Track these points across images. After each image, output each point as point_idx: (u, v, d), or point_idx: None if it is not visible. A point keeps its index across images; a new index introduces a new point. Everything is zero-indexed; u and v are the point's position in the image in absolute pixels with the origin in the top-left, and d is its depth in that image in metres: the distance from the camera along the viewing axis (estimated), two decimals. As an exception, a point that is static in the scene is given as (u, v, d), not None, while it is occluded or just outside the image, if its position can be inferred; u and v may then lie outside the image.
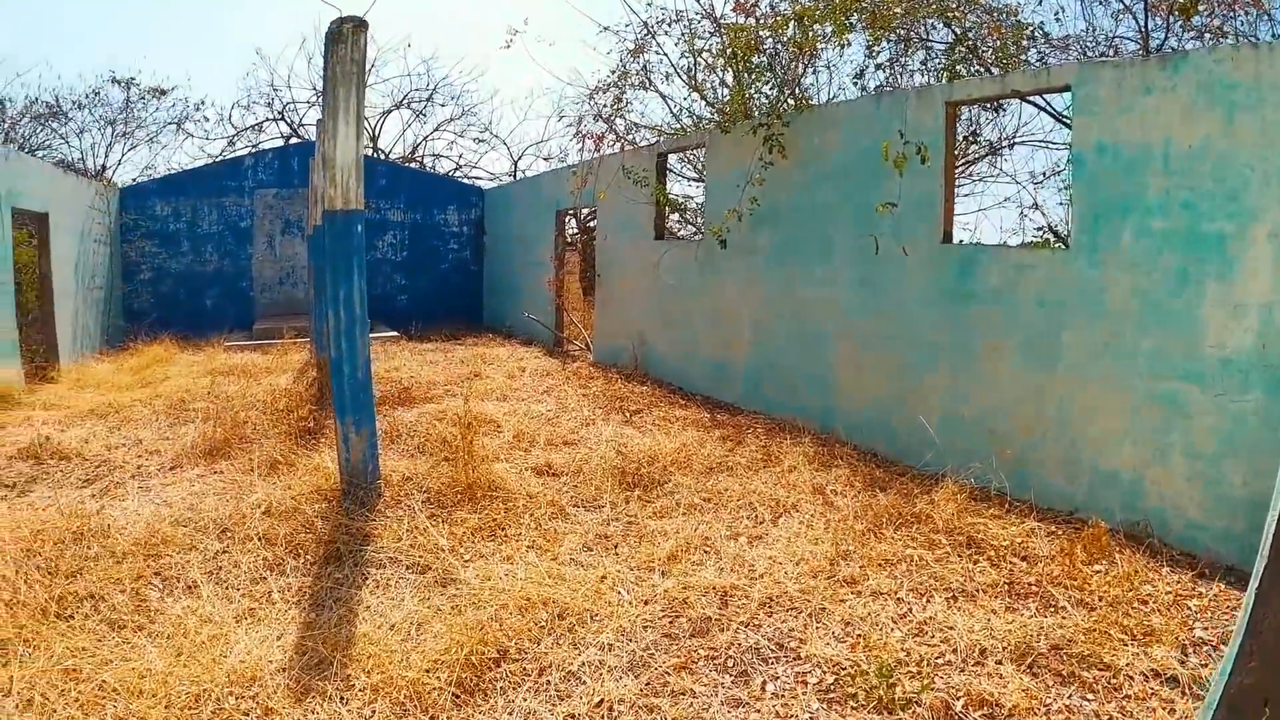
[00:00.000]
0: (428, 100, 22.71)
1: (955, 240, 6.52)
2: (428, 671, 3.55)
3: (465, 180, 21.22)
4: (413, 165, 21.93)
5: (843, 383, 7.38)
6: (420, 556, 4.83)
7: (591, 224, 17.69)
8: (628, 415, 8.32)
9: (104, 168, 20.39)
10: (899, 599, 4.19)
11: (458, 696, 3.44)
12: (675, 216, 13.18)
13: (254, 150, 19.16)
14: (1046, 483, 5.55)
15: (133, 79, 20.53)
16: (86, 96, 20.01)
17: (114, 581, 4.55)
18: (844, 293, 7.32)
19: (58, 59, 34.11)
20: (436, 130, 23.47)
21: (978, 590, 4.26)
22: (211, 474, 6.63)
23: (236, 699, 3.41)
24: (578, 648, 3.80)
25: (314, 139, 21.78)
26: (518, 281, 15.59)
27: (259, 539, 5.11)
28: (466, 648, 3.69)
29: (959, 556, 4.64)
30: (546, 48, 15.61)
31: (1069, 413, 5.48)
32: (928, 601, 4.15)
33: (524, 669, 3.64)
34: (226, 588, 4.54)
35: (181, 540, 5.14)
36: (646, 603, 4.21)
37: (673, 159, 12.69)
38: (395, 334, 15.05)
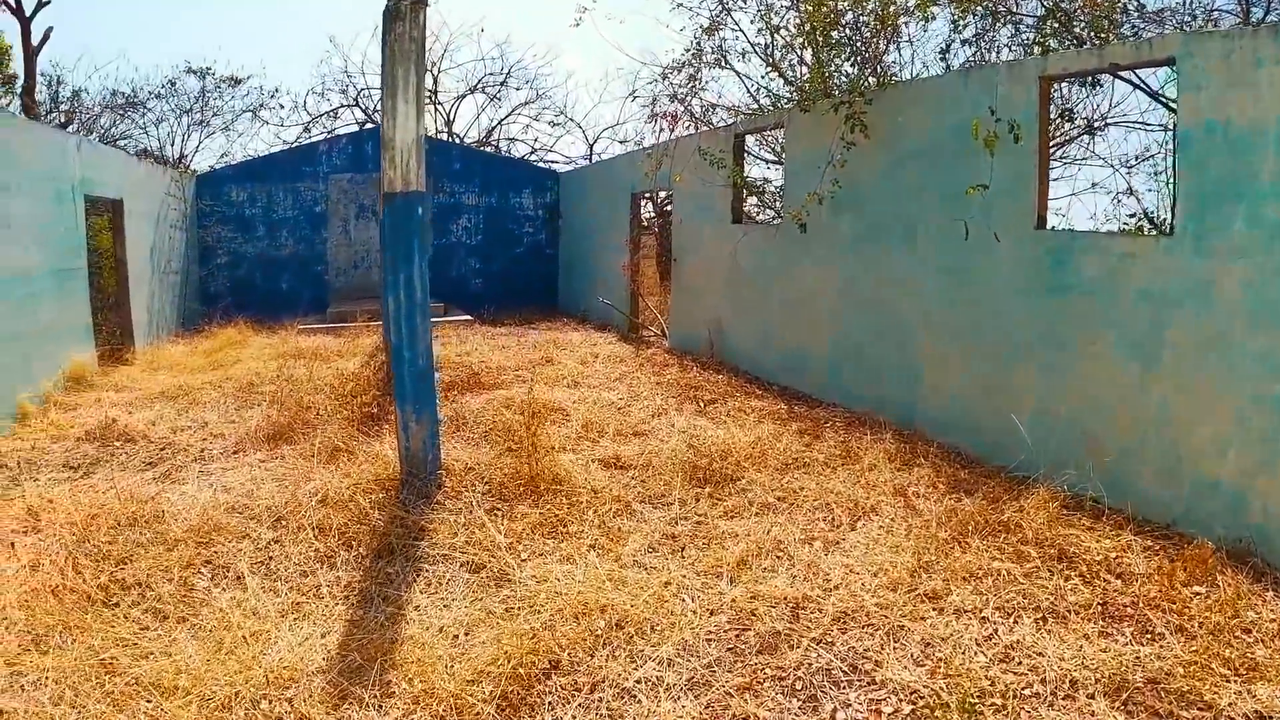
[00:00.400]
0: (502, 84, 22.63)
1: (1048, 226, 6.09)
2: (471, 683, 3.38)
3: (540, 164, 21.12)
4: (488, 149, 21.90)
5: (927, 375, 7.01)
6: (475, 554, 4.68)
7: (669, 207, 17.44)
8: (701, 405, 8.07)
9: (182, 156, 20.84)
10: (984, 618, 3.86)
11: (501, 711, 3.25)
12: (753, 200, 12.83)
13: (328, 136, 19.32)
14: (1143, 490, 5.11)
15: (208, 69, 20.98)
16: (163, 87, 20.42)
17: (163, 570, 4.53)
18: (929, 280, 6.94)
19: (135, 52, 35.01)
20: (511, 114, 23.40)
21: (1069, 611, 3.90)
22: (273, 459, 6.63)
23: (271, 702, 3.30)
24: (635, 661, 3.58)
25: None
26: (593, 266, 15.42)
27: (312, 529, 5.05)
28: (515, 658, 3.51)
29: (1049, 571, 4.28)
30: (617, 25, 15.35)
31: (1169, 415, 5.01)
32: (1015, 622, 3.82)
33: (575, 683, 3.44)
34: (275, 580, 4.48)
35: (235, 528, 5.12)
36: (712, 613, 3.97)
37: (751, 141, 12.33)
38: (469, 318, 15.02)
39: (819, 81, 8.16)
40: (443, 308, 15.35)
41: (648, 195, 14.44)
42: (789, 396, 8.49)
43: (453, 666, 3.50)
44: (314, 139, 19.90)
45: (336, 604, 4.19)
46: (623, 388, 8.90)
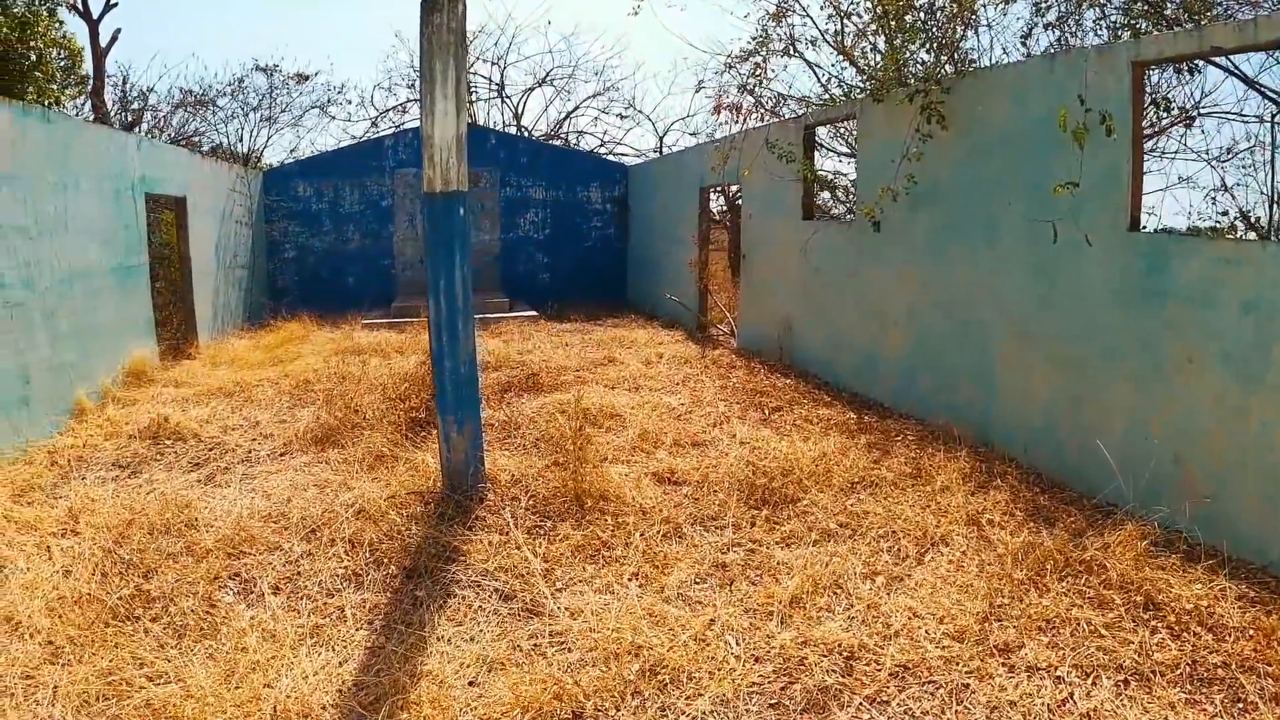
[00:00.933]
0: (569, 77, 22.38)
1: (1142, 227, 5.53)
2: (486, 732, 3.06)
3: (610, 158, 20.83)
4: (556, 143, 21.69)
5: (1005, 386, 6.50)
6: (508, 580, 4.41)
7: (740, 200, 16.99)
8: (766, 413, 7.68)
9: (248, 152, 21.09)
10: (1059, 677, 3.40)
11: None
12: (825, 195, 12.35)
13: (395, 130, 19.30)
14: (1239, 526, 4.54)
15: (276, 65, 21.20)
16: (230, 85, 20.66)
17: (189, 583, 4.38)
18: (1011, 282, 6.42)
19: (204, 51, 35.64)
20: (578, 107, 23.13)
21: (1154, 671, 3.42)
22: (318, 463, 6.49)
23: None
24: (666, 716, 3.23)
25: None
26: (661, 261, 15.07)
27: (345, 543, 4.87)
28: (535, 706, 3.21)
29: (1134, 622, 3.77)
30: (678, 14, 14.84)
31: (1271, 441, 4.43)
32: (1093, 684, 3.35)
33: (597, 740, 3.10)
34: (300, 598, 4.30)
35: (267, 539, 4.97)
36: (757, 660, 3.61)
37: (822, 133, 11.85)
38: (534, 313, 14.80)
39: (893, 70, 7.67)
40: (507, 303, 15.19)
41: (718, 189, 14.01)
42: (859, 404, 8.03)
43: (469, 709, 3.23)
44: (380, 134, 19.93)
45: (359, 629, 3.97)
46: (685, 392, 8.54)
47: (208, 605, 4.17)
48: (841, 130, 12.72)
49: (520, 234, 17.30)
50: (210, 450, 6.87)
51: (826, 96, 11.29)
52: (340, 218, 16.61)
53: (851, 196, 11.39)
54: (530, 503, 5.42)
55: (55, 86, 14.98)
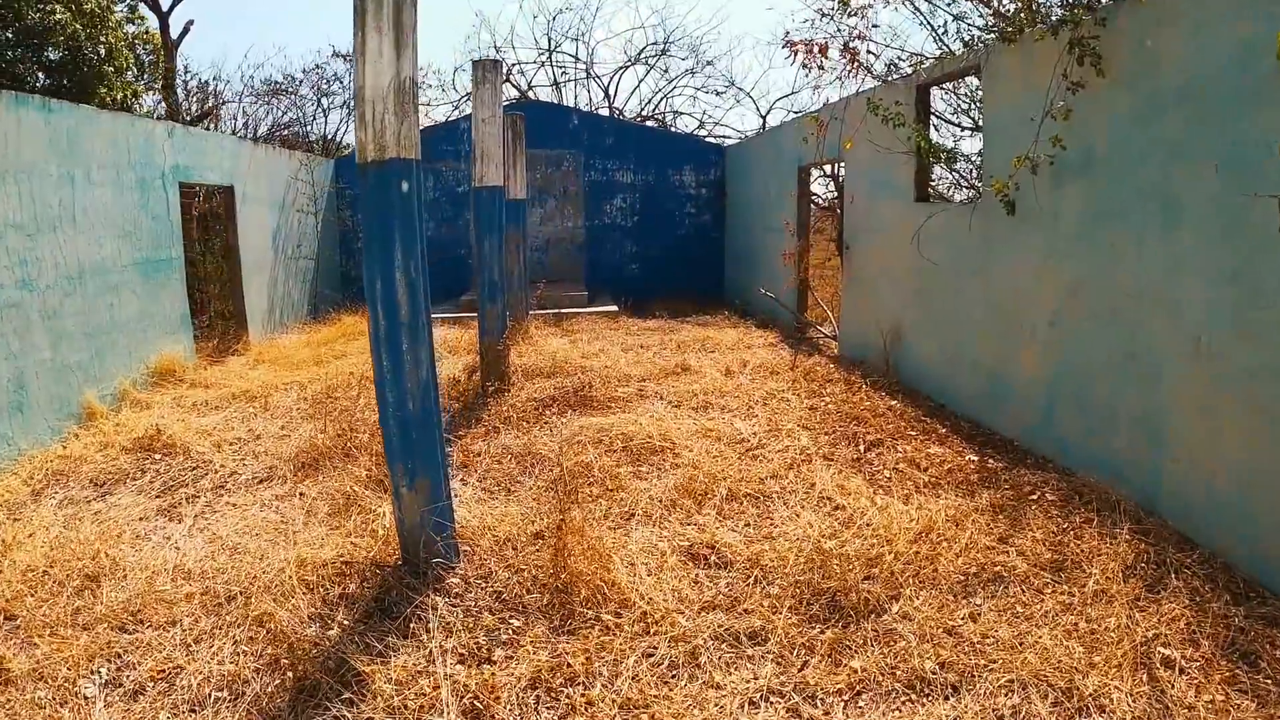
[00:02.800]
0: (662, 54, 20.76)
1: None
2: None
3: (708, 139, 19.16)
4: (651, 124, 20.17)
5: (1183, 436, 4.64)
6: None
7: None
8: (860, 451, 6.01)
9: (325, 138, 20.47)
10: None
11: None
12: (942, 174, 10.48)
13: (465, 113, 18.08)
14: None
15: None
16: (305, 72, 20.07)
17: (60, 662, 3.47)
18: (1199, 288, 4.54)
19: (278, 37, 35.27)
20: (673, 86, 21.50)
21: None
22: (289, 497, 5.48)
23: None
24: None
25: (540, 100, 20.84)
26: (758, 251, 13.38)
27: (250, 626, 3.71)
28: None
29: None
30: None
31: None
32: None
33: None
34: (162, 707, 3.22)
35: (170, 609, 3.94)
36: None
37: (940, 104, 9.98)
38: (614, 308, 13.34)
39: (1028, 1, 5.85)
40: (586, 296, 13.78)
41: (820, 168, 12.23)
42: (981, 441, 6.27)
43: None
44: (456, 117, 18.79)
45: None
46: (763, 415, 6.94)
47: (62, 698, 3.24)
48: (961, 95, 10.79)
49: (606, 221, 15.91)
50: (192, 470, 6.09)
51: (945, 52, 9.36)
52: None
53: (976, 173, 9.48)
54: (505, 586, 3.96)
55: (132, 81, 14.48)
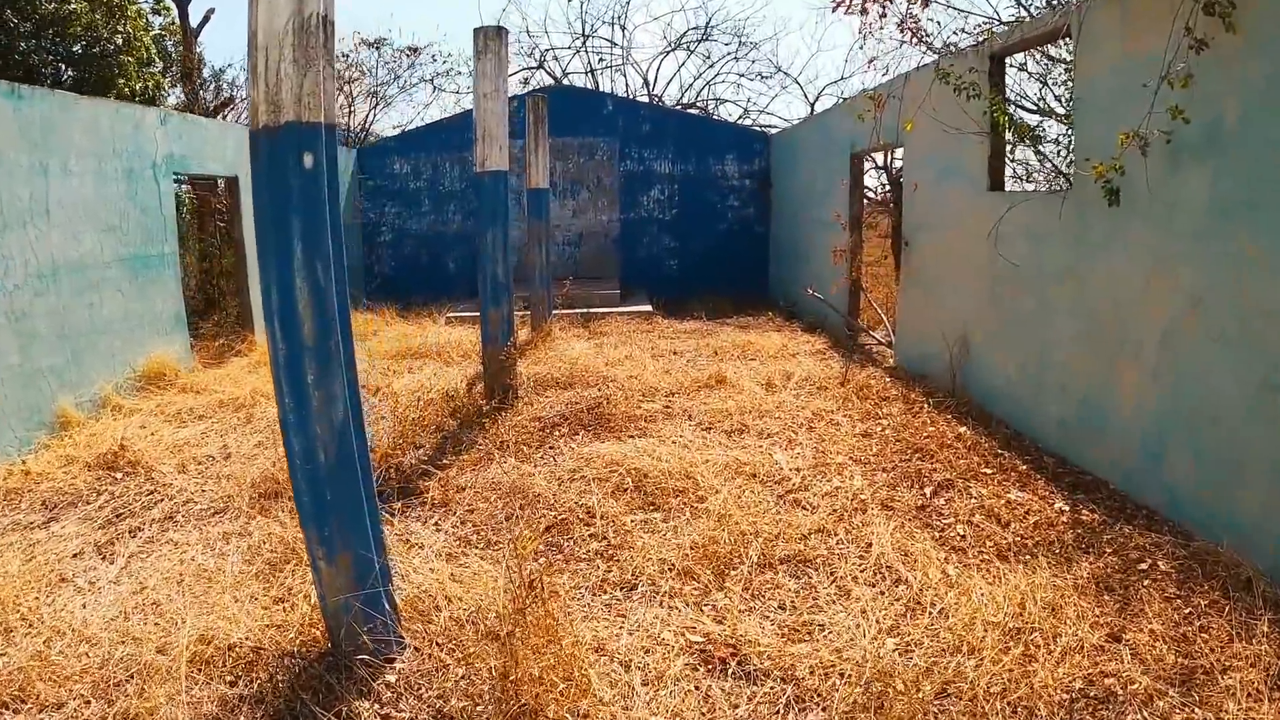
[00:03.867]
0: (703, 38, 19.65)
1: None
2: None
3: (752, 126, 18.00)
4: (693, 112, 19.08)
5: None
6: None
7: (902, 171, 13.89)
8: (926, 495, 4.92)
9: (363, 131, 19.80)
10: None
11: None
12: (1021, 155, 9.28)
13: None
14: None
15: (383, 39, 19.90)
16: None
17: None
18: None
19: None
20: (714, 71, 20.33)
21: None
22: (237, 536, 4.64)
23: None
24: None
25: (576, 85, 19.84)
26: (805, 248, 12.25)
27: None
28: None
29: None
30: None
31: None
32: None
33: None
34: None
35: (63, 687, 3.14)
36: None
37: (1020, 84, 8.78)
38: (648, 308, 12.30)
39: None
40: (618, 295, 12.75)
41: (873, 155, 11.08)
42: (1071, 483, 5.11)
43: None
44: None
45: None
46: (808, 443, 5.87)
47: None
48: (1034, 76, 9.57)
49: (642, 214, 14.88)
50: (148, 494, 5.37)
51: (1019, 18, 8.17)
52: (440, 197, 14.77)
53: (1064, 156, 8.27)
54: (454, 690, 2.96)
55: (157, 72, 13.90)
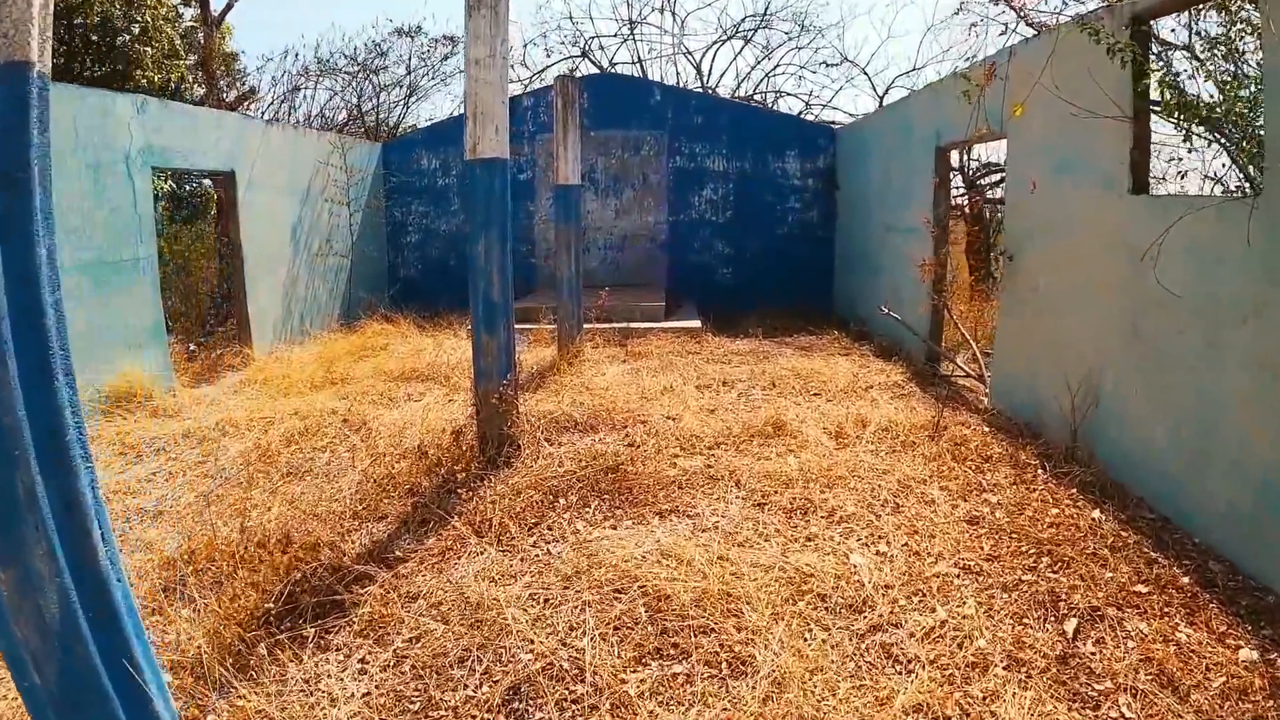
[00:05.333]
0: (761, 25, 18.06)
1: None
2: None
3: (814, 120, 16.40)
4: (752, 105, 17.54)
5: None
6: None
7: (987, 172, 12.18)
8: (1067, 637, 3.39)
9: (377, 121, 18.73)
10: None
11: None
12: (1170, 145, 7.61)
13: (531, 89, 15.79)
14: None
15: (418, 27, 18.79)
16: (360, 48, 18.38)
17: None
18: None
19: (334, 15, 33.37)
20: (770, 57, 18.69)
21: None
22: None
23: None
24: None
25: (615, 72, 18.28)
26: (877, 257, 10.66)
27: None
28: None
29: None
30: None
31: None
32: None
33: None
34: None
35: None
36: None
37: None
38: (696, 324, 10.81)
39: None
40: (663, 307, 11.28)
41: (968, 148, 9.47)
42: (1251, 607, 3.55)
43: None
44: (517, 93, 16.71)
45: None
46: (897, 531, 4.38)
47: None
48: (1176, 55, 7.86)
49: (693, 216, 13.39)
50: None
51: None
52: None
53: (1253, 151, 6.58)
54: None
55: (178, 63, 13.11)
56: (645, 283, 13.19)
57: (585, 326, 9.74)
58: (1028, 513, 4.61)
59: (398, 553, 4.13)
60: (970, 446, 5.67)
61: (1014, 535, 4.32)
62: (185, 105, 8.90)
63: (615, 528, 4.38)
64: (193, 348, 9.65)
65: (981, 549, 4.18)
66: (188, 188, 13.15)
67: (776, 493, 4.84)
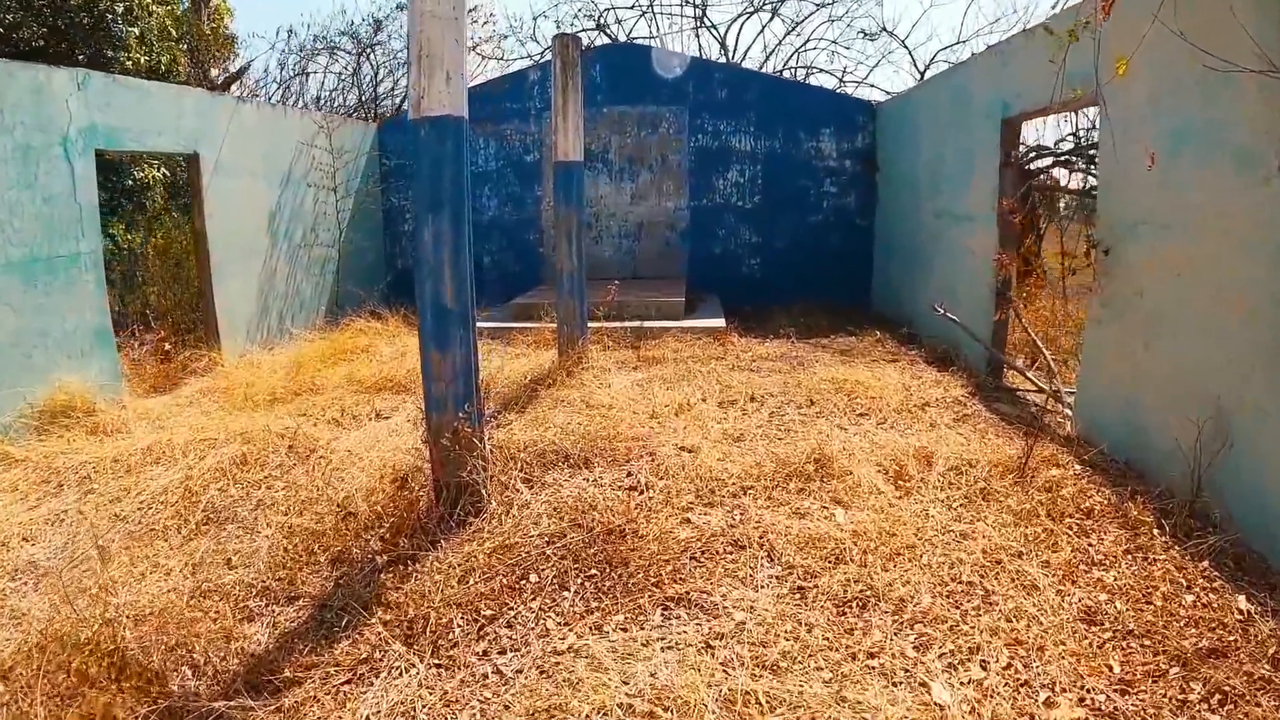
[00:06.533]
0: (788, -3, 16.75)
1: None
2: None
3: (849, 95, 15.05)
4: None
5: None
6: None
7: (1037, 155, 10.78)
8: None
9: (374, 101, 17.76)
10: None
11: None
12: None
13: (539, 61, 14.60)
14: None
15: None
16: (358, 23, 17.38)
17: None
18: None
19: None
20: (797, 29, 17.35)
21: None
22: None
23: None
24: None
25: (631, 43, 16.92)
26: (925, 248, 9.36)
27: None
28: None
29: None
30: None
31: None
32: None
33: None
34: None
35: None
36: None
37: None
38: (720, 323, 9.58)
39: None
40: (683, 303, 10.06)
41: (1042, 117, 8.15)
42: None
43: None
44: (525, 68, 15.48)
45: None
46: (991, 637, 3.17)
47: None
48: None
49: (717, 200, 12.14)
50: None
51: None
52: (473, 177, 12.28)
53: None
54: None
55: (170, 45, 12.13)
56: (663, 275, 12.00)
57: (593, 326, 8.58)
58: (1155, 601, 3.39)
59: (288, 671, 2.96)
60: (1065, 495, 4.43)
61: (1146, 642, 3.11)
62: (139, 80, 7.84)
63: (600, 628, 3.20)
64: (168, 348, 8.66)
65: (1109, 669, 2.97)
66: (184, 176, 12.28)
67: (823, 573, 3.63)
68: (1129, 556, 3.79)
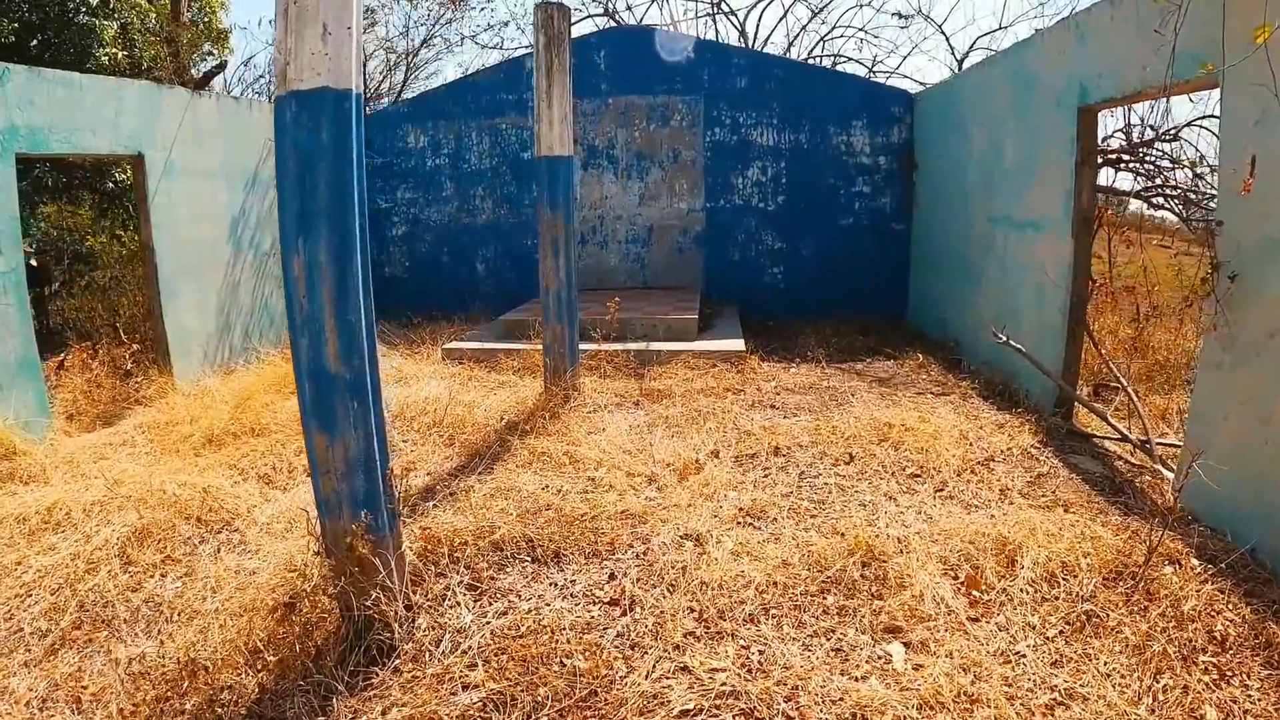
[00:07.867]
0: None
1: None
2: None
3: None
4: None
5: None
6: None
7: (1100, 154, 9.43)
8: None
9: (367, 94, 16.80)
10: None
11: None
12: None
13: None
14: None
15: None
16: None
17: None
18: None
19: None
20: (823, 17, 16.19)
21: None
22: None
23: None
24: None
25: (638, 25, 15.82)
26: (976, 259, 8.10)
27: None
28: None
29: None
30: None
31: None
32: None
33: None
34: None
35: None
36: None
37: None
38: (739, 345, 8.35)
39: None
40: (696, 319, 8.85)
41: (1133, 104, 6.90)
42: None
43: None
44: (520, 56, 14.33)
45: None
46: None
47: None
48: None
49: (736, 201, 10.98)
50: None
51: None
52: (463, 176, 11.40)
53: None
54: None
55: (151, 38, 11.39)
56: (676, 285, 10.85)
57: (591, 348, 7.45)
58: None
59: None
60: (1187, 608, 3.22)
61: None
62: (68, 74, 6.77)
63: None
64: (130, 367, 7.66)
65: None
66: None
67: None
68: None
